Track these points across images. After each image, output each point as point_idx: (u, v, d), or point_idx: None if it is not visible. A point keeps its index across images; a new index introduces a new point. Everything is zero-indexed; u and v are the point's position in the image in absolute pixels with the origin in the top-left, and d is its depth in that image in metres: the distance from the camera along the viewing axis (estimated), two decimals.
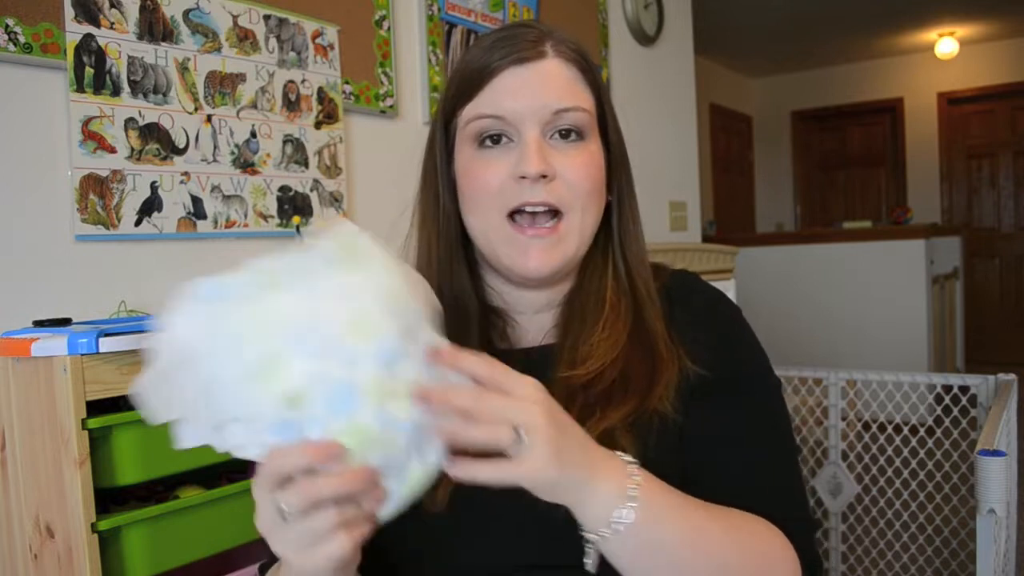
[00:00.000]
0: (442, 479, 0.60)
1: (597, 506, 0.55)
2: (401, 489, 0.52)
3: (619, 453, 0.59)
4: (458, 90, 0.75)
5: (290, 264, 0.48)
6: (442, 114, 0.78)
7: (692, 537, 0.59)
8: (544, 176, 0.71)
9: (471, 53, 0.76)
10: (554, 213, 0.72)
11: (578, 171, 0.72)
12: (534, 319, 0.80)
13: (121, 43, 1.40)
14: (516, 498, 0.65)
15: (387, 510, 0.52)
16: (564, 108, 0.72)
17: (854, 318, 4.41)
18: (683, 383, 0.72)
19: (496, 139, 0.73)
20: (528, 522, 0.65)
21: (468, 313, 0.77)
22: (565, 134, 0.73)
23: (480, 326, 0.77)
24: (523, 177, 0.70)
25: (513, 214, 0.72)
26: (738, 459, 0.71)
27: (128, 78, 1.41)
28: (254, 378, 0.46)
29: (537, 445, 0.52)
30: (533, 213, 0.72)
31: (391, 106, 1.96)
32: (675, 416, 0.69)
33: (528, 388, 0.54)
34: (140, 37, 1.43)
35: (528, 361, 0.76)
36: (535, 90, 0.72)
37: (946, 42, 5.64)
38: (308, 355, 0.47)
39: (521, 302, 0.79)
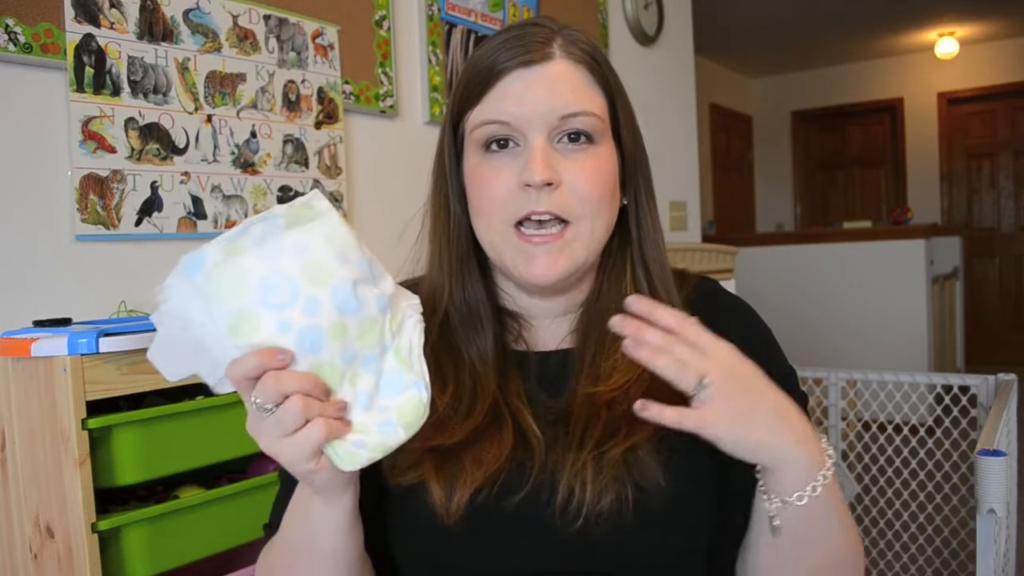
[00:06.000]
0: (457, 490, 0.65)
1: (791, 476, 0.61)
2: (379, 418, 0.57)
3: (820, 434, 0.65)
4: (465, 92, 0.74)
5: (252, 230, 0.54)
6: (450, 116, 0.76)
7: (844, 525, 0.68)
8: (549, 184, 0.69)
9: (479, 53, 0.74)
10: (561, 220, 0.70)
11: (585, 178, 0.70)
12: (551, 324, 0.78)
13: (121, 43, 1.40)
14: (529, 507, 0.65)
15: (371, 441, 0.57)
16: (571, 113, 0.70)
17: (854, 318, 4.41)
18: None
19: (503, 143, 0.71)
20: (541, 531, 0.65)
21: (481, 316, 0.76)
22: (574, 137, 0.71)
23: (494, 329, 0.76)
24: (528, 185, 0.69)
25: (520, 223, 0.71)
26: None
27: (128, 78, 1.41)
28: (232, 334, 0.53)
29: (715, 399, 0.58)
30: (540, 220, 0.70)
31: (391, 106, 1.96)
32: None
33: (719, 348, 0.60)
34: (140, 37, 1.43)
35: (544, 365, 0.75)
36: (541, 94, 0.70)
37: (946, 42, 5.64)
38: (274, 308, 0.53)
39: (536, 308, 0.78)
